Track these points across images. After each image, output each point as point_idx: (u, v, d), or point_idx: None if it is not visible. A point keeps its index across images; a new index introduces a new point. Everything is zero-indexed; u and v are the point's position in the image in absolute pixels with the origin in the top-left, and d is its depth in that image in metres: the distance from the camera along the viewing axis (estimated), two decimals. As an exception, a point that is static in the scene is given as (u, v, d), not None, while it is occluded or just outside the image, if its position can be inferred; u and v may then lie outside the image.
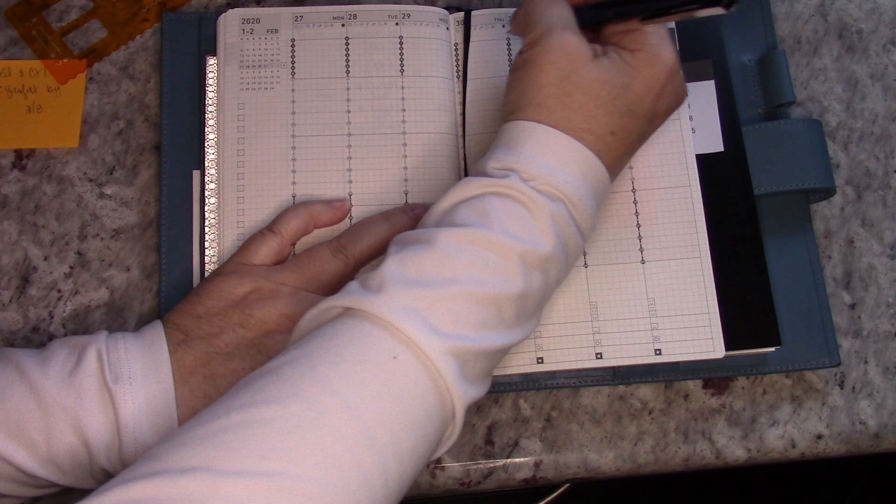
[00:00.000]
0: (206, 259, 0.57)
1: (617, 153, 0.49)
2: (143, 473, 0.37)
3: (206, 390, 0.48)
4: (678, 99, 0.51)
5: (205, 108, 0.60)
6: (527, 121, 0.48)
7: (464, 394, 0.43)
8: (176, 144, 0.59)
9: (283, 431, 0.38)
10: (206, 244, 0.57)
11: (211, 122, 0.59)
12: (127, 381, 0.47)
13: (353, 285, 0.45)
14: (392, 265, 0.44)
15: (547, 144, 0.47)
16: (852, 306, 0.60)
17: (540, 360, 0.55)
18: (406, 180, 0.58)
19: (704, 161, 0.58)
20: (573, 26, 0.50)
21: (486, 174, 0.48)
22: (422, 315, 0.42)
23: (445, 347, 0.42)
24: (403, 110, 0.59)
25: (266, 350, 0.49)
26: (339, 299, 0.44)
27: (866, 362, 0.59)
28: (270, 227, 0.55)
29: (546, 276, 0.47)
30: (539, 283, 0.46)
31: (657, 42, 0.49)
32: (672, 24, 0.61)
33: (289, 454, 0.37)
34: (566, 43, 0.48)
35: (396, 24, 0.61)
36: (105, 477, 0.48)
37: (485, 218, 0.45)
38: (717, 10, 0.47)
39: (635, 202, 0.58)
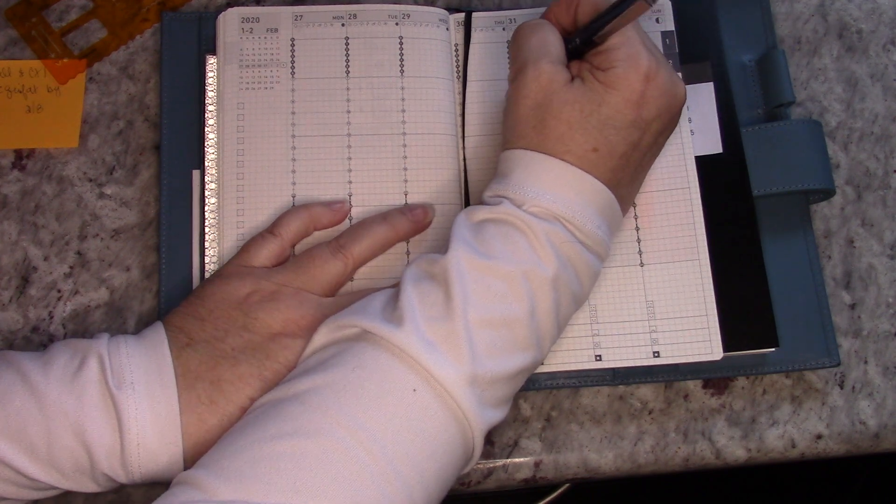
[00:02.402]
0: (207, 259, 0.57)
1: (608, 167, 0.50)
2: (183, 501, 0.41)
3: (213, 396, 0.48)
4: (667, 101, 0.51)
5: (205, 108, 0.60)
6: (513, 149, 0.51)
7: (482, 422, 0.46)
8: (176, 144, 0.59)
9: (314, 466, 0.41)
10: (206, 244, 0.57)
11: (211, 122, 0.59)
12: (130, 386, 0.47)
13: (372, 307, 0.47)
14: (411, 300, 0.46)
15: (532, 168, 0.49)
16: (852, 306, 0.60)
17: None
18: (406, 181, 0.58)
19: (703, 163, 0.58)
20: (551, 54, 0.51)
21: (484, 203, 0.51)
22: (438, 348, 0.44)
23: (462, 378, 0.44)
24: (403, 111, 0.59)
25: (273, 355, 0.49)
26: (360, 320, 0.46)
27: (866, 362, 0.59)
28: (270, 230, 0.55)
29: (557, 293, 0.48)
30: (548, 301, 0.48)
31: (626, 55, 0.49)
32: (671, 28, 0.61)
33: (321, 489, 0.41)
34: (539, 74, 0.50)
35: (396, 24, 0.61)
36: (106, 481, 0.48)
37: (485, 246, 0.47)
38: (643, 7, 0.48)
39: (634, 205, 0.58)
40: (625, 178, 0.51)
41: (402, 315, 0.45)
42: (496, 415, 0.47)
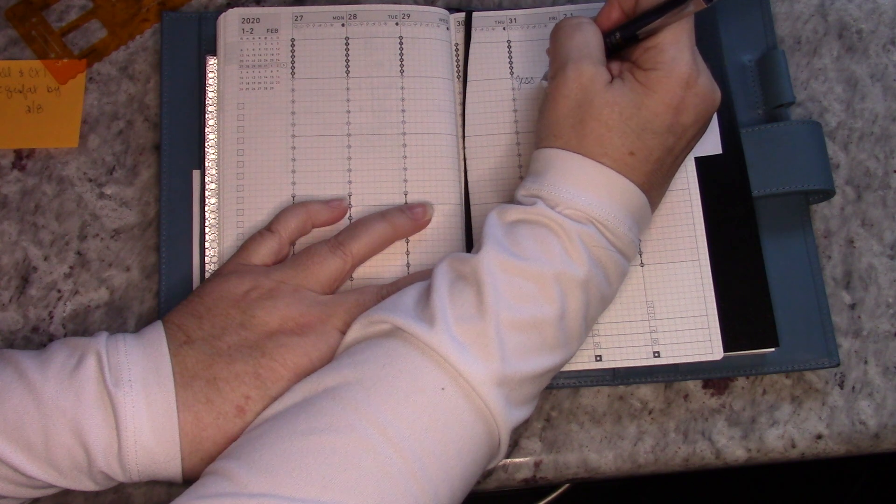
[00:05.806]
0: (207, 259, 0.57)
1: (643, 170, 0.50)
2: (215, 492, 0.42)
3: (209, 394, 0.48)
4: (705, 107, 0.51)
5: (205, 108, 0.60)
6: (548, 148, 0.51)
7: (509, 420, 0.46)
8: (176, 144, 0.59)
9: (343, 462, 0.42)
10: (206, 244, 0.57)
11: (211, 122, 0.59)
12: (127, 384, 0.47)
13: (403, 303, 0.48)
14: (442, 299, 0.47)
15: (568, 170, 0.49)
16: (852, 306, 0.60)
17: (540, 361, 0.55)
18: (406, 181, 0.58)
19: (703, 164, 0.58)
20: (592, 55, 0.51)
21: (517, 202, 0.51)
22: (469, 349, 0.45)
23: (490, 378, 0.45)
24: (403, 111, 0.59)
25: (269, 352, 0.49)
26: (391, 316, 0.47)
27: (866, 362, 0.59)
28: (269, 227, 0.55)
29: (587, 295, 0.48)
30: (579, 303, 0.48)
31: (671, 58, 0.49)
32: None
33: (348, 485, 0.41)
34: (580, 74, 0.50)
35: (396, 24, 0.61)
36: (104, 479, 0.48)
37: (517, 247, 0.48)
38: (700, 4, 0.48)
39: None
40: (657, 181, 0.52)
41: (433, 314, 0.46)
42: (522, 413, 0.48)
